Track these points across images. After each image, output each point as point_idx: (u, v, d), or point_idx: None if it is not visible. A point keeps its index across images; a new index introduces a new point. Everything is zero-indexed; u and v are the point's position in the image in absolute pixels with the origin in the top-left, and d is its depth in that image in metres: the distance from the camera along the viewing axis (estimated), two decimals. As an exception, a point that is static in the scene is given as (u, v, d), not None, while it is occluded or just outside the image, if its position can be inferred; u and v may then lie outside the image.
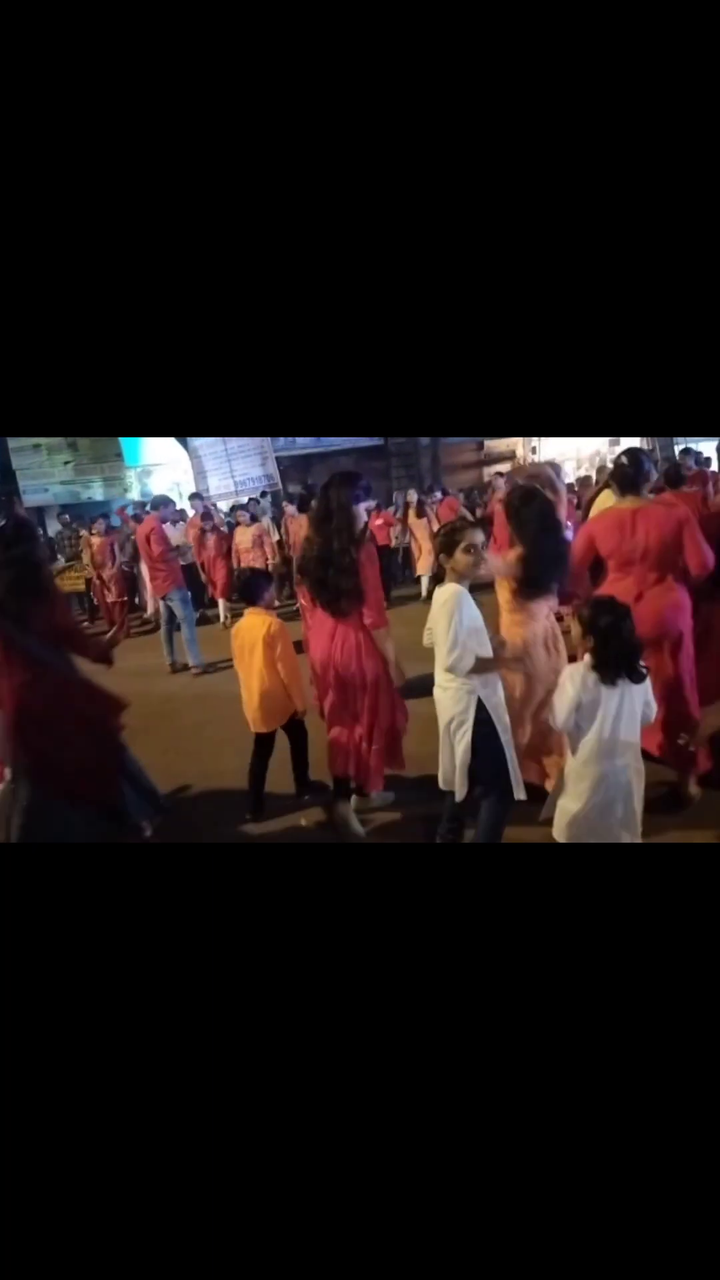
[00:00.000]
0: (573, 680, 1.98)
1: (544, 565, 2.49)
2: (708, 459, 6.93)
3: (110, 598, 7.76)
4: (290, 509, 7.79)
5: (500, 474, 8.76)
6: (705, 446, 7.46)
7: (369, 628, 2.54)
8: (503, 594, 2.62)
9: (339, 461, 11.14)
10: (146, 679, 5.60)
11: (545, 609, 2.62)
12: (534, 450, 12.36)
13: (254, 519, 7.28)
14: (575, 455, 11.45)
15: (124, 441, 10.44)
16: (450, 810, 2.31)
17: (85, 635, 2.82)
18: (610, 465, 6.89)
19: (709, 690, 2.74)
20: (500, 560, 2.52)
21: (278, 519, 7.91)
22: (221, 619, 7.30)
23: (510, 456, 12.67)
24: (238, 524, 7.45)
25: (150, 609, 7.91)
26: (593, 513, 3.69)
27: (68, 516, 9.45)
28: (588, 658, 1.98)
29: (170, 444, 10.42)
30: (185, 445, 9.75)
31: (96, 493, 10.69)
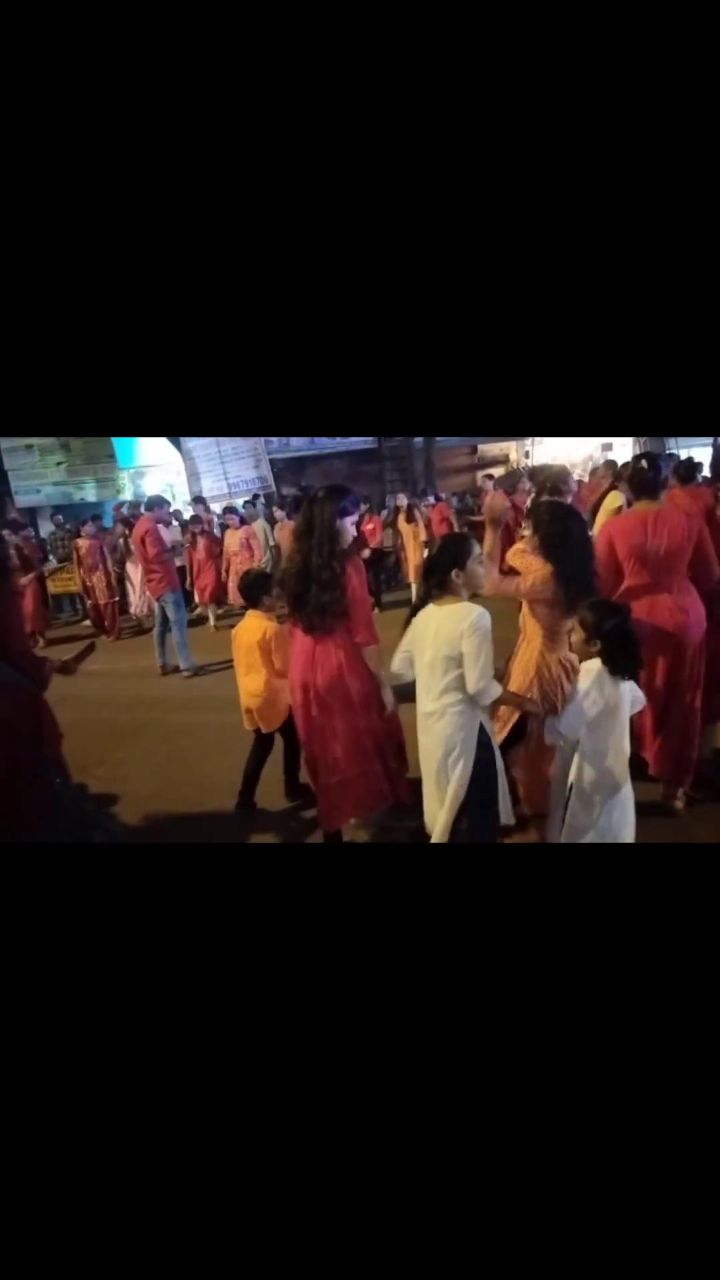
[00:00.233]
0: (599, 687, 1.91)
1: (582, 583, 2.34)
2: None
3: (100, 600, 7.73)
4: (280, 514, 7.79)
5: (489, 477, 8.73)
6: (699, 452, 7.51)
7: (359, 645, 2.39)
8: (533, 623, 2.43)
9: (332, 464, 11.17)
10: (137, 681, 5.59)
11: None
12: (527, 454, 12.41)
13: (243, 522, 7.25)
14: (567, 459, 11.50)
15: (117, 443, 10.41)
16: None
17: (33, 653, 2.64)
18: (602, 466, 6.92)
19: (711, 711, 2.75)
20: (521, 582, 2.38)
21: (271, 519, 7.88)
22: (210, 622, 7.28)
23: (504, 460, 12.73)
24: (227, 526, 7.43)
25: (135, 608, 7.88)
26: (600, 514, 3.71)
27: (61, 517, 9.41)
28: (597, 662, 1.93)
29: (164, 446, 10.40)
30: (179, 447, 9.75)
31: (89, 494, 10.65)
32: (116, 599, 7.85)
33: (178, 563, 6.39)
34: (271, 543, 7.49)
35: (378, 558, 7.49)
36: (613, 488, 3.88)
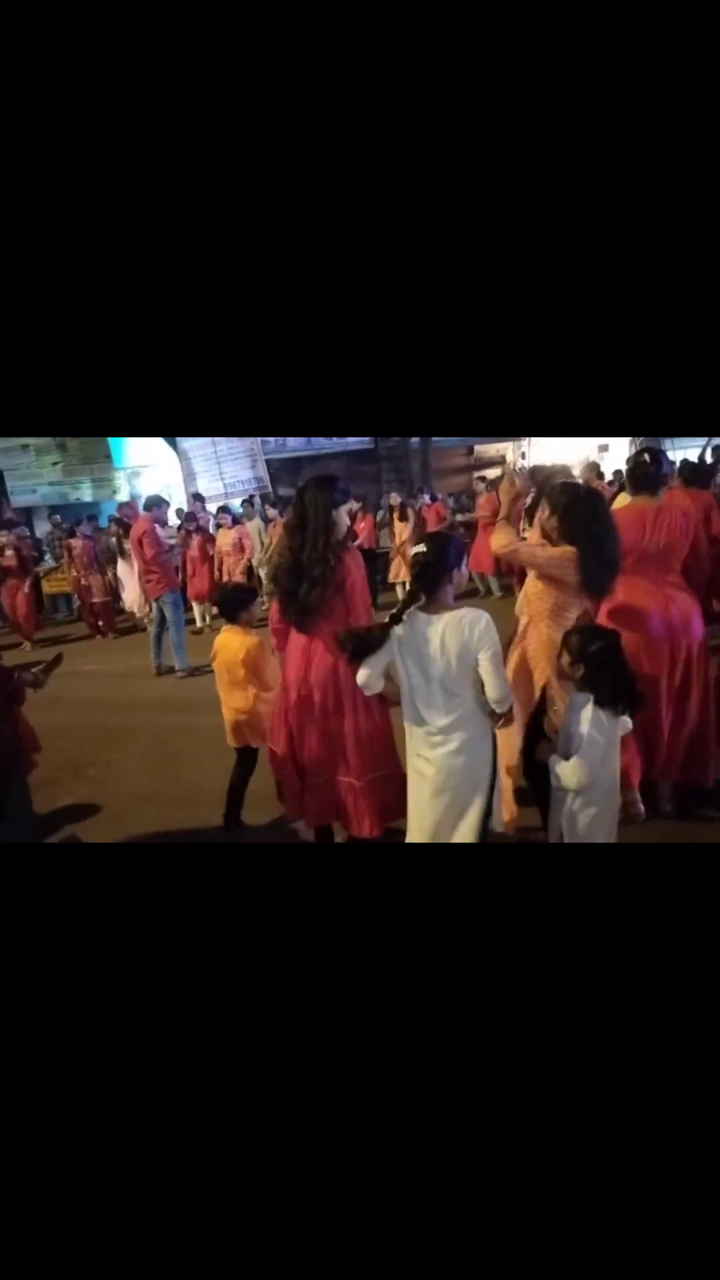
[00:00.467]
0: (595, 725, 1.85)
1: (603, 566, 2.26)
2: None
3: (94, 600, 7.74)
4: (274, 514, 7.77)
5: (482, 479, 8.69)
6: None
7: None
8: (539, 602, 2.33)
9: (329, 465, 11.17)
10: (132, 681, 5.58)
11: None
12: (524, 455, 12.43)
13: (235, 521, 7.24)
14: (565, 459, 11.51)
15: (113, 443, 10.40)
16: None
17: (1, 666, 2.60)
18: (595, 464, 6.90)
19: None
20: (544, 552, 2.25)
21: (266, 518, 7.86)
22: (199, 622, 7.25)
23: (500, 461, 12.74)
24: (220, 526, 7.41)
25: (128, 605, 7.87)
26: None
27: (58, 517, 9.39)
28: (589, 703, 1.87)
29: (160, 446, 10.39)
30: (175, 447, 9.74)
31: (85, 494, 10.64)
32: (109, 598, 7.85)
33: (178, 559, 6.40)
34: (266, 540, 7.48)
35: (368, 558, 7.47)
36: (621, 489, 3.90)
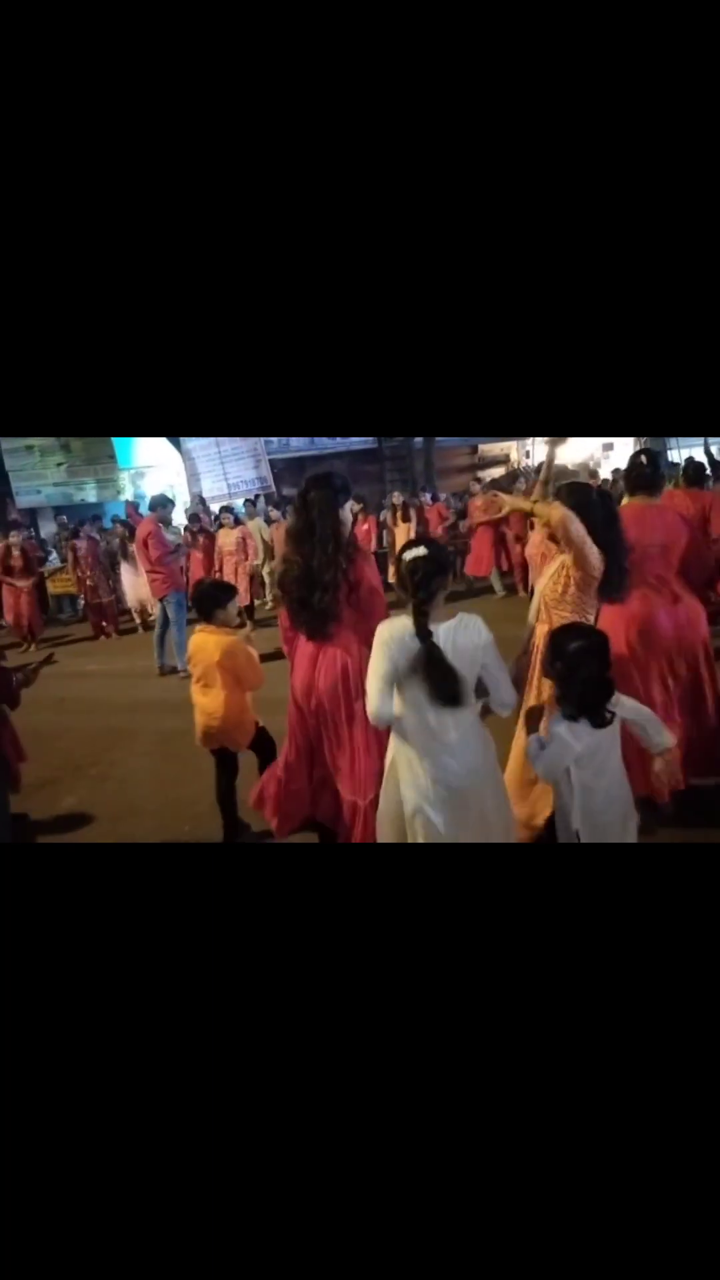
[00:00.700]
0: (571, 731, 1.72)
1: (620, 570, 2.20)
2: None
3: (99, 599, 7.77)
4: (276, 514, 7.76)
5: (477, 480, 8.65)
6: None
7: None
8: (559, 613, 2.20)
9: (332, 464, 11.15)
10: (134, 681, 5.59)
11: None
12: (528, 455, 12.40)
13: (237, 521, 7.24)
14: (568, 461, 11.49)
15: (117, 443, 10.42)
16: None
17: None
18: (599, 467, 6.86)
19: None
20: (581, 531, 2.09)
21: (268, 518, 7.86)
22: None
23: (504, 460, 12.72)
24: (221, 526, 7.41)
25: (131, 604, 7.90)
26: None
27: (65, 518, 9.43)
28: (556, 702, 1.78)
29: (164, 446, 10.42)
30: (179, 447, 9.75)
31: (89, 495, 10.67)
32: (113, 599, 7.88)
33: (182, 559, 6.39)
34: (267, 538, 7.47)
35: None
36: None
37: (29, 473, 10.39)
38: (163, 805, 3.26)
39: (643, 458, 2.61)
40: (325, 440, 11.19)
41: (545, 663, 1.84)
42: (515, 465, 12.31)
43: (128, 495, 10.66)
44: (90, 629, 7.84)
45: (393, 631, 1.73)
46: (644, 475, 2.57)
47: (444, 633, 1.73)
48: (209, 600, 2.64)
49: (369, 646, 1.83)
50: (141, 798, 3.38)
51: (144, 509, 6.82)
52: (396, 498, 7.72)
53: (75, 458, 10.45)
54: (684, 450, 10.20)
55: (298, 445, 11.25)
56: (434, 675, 1.69)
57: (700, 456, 5.50)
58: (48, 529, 10.52)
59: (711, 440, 7.48)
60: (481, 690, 1.83)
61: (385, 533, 8.03)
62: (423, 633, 1.69)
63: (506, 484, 8.39)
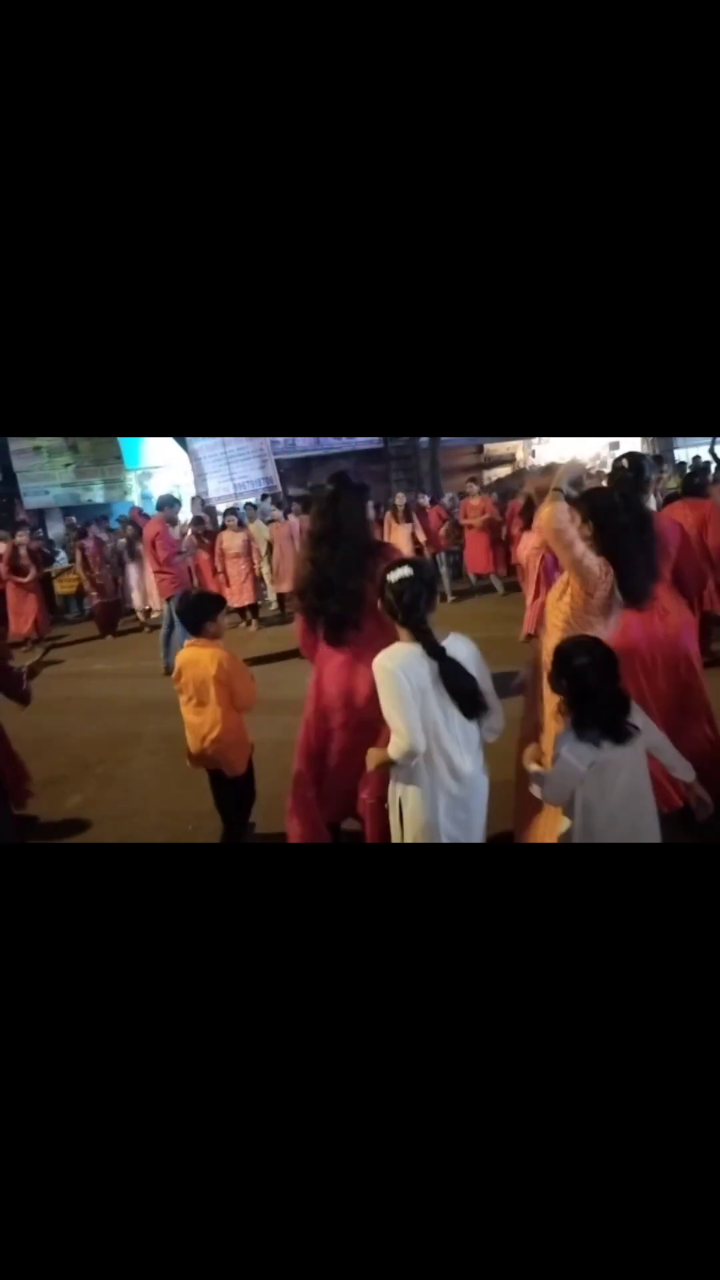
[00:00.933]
0: (574, 752, 1.62)
1: (641, 574, 2.07)
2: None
3: (105, 599, 7.83)
4: (277, 513, 7.74)
5: (473, 480, 8.59)
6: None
7: None
8: (573, 622, 2.07)
9: (338, 464, 11.16)
10: (141, 680, 5.62)
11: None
12: (534, 454, 12.36)
13: (241, 524, 7.24)
14: (574, 458, 11.43)
15: (124, 444, 10.47)
16: None
17: (8, 667, 2.53)
18: (605, 466, 6.85)
19: None
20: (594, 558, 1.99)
21: (268, 519, 7.85)
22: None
23: (510, 460, 12.68)
24: (224, 528, 7.41)
25: (138, 604, 7.94)
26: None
27: (74, 518, 9.50)
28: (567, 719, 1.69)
29: (170, 447, 10.46)
30: (185, 448, 9.79)
31: (97, 495, 10.73)
32: (120, 598, 7.93)
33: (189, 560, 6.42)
34: (267, 538, 7.46)
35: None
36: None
37: (37, 474, 10.46)
38: (167, 804, 3.28)
39: (624, 461, 2.54)
40: (331, 440, 11.19)
41: (551, 679, 1.74)
42: (521, 465, 12.27)
43: (134, 496, 10.72)
44: (96, 628, 7.89)
45: (395, 660, 1.63)
46: (625, 481, 2.50)
47: (449, 646, 1.65)
48: (196, 612, 2.46)
49: None
50: (146, 796, 3.40)
51: (150, 509, 6.84)
52: (400, 499, 7.69)
53: (83, 459, 10.52)
54: (691, 450, 10.15)
55: (304, 445, 11.26)
56: (456, 689, 1.61)
57: (706, 456, 5.46)
58: (55, 529, 10.59)
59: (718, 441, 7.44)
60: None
61: (385, 533, 7.98)
62: (435, 650, 1.61)
63: (512, 484, 8.34)
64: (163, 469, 11.15)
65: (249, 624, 7.13)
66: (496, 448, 12.65)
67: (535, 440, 12.22)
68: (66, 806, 3.37)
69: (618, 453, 10.80)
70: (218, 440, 9.14)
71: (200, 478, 9.51)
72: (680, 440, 10.30)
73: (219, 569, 7.04)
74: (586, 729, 1.62)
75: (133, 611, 8.12)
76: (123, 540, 8.01)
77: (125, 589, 8.07)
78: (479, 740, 1.73)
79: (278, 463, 9.70)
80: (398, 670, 1.61)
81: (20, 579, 7.37)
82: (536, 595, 4.71)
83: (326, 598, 2.10)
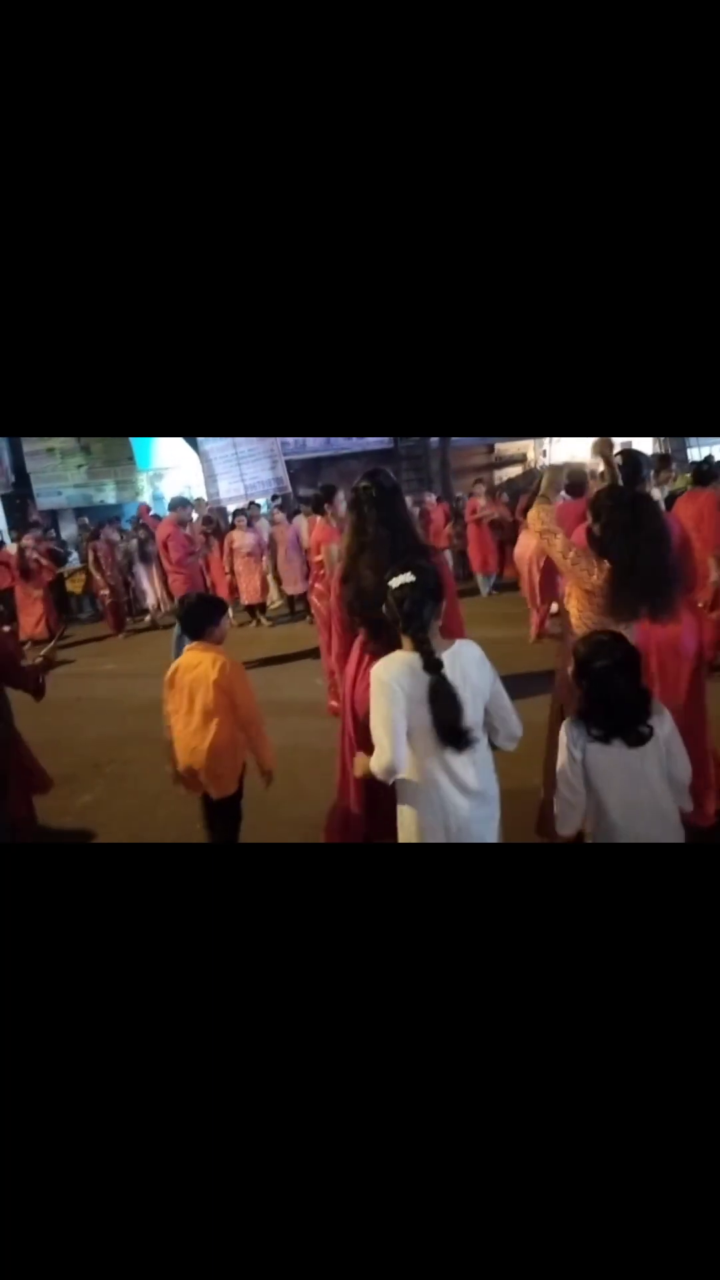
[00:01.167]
0: (576, 744, 1.58)
1: (642, 581, 1.96)
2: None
3: (117, 599, 7.89)
4: (280, 515, 7.75)
5: (480, 481, 8.57)
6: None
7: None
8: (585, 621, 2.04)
9: (349, 465, 11.16)
10: (152, 680, 5.64)
11: None
12: (544, 453, 12.29)
13: (250, 524, 7.26)
14: (585, 458, 11.36)
15: (136, 445, 10.53)
16: None
17: (20, 666, 2.49)
18: (580, 465, 6.80)
19: None
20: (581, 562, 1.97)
21: (271, 520, 7.87)
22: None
23: (521, 459, 12.62)
24: (234, 528, 7.43)
25: (151, 605, 8.01)
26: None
27: (86, 519, 9.58)
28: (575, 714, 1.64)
29: (181, 447, 10.51)
30: (196, 448, 9.84)
31: (109, 496, 10.80)
32: (131, 598, 8.00)
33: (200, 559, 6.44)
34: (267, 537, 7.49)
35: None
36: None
37: (50, 475, 10.54)
38: (176, 804, 3.30)
39: (619, 458, 2.54)
40: (341, 440, 11.19)
41: (574, 675, 1.68)
42: (532, 464, 12.21)
43: (146, 497, 10.78)
44: (108, 627, 7.95)
45: (391, 670, 1.57)
46: (624, 478, 2.49)
47: (449, 660, 1.55)
48: (199, 616, 2.30)
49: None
50: (156, 796, 3.42)
51: (161, 510, 6.88)
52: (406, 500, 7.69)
53: (95, 459, 10.58)
54: (704, 449, 10.06)
55: (314, 446, 11.27)
56: (438, 714, 1.52)
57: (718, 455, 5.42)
58: (68, 530, 10.68)
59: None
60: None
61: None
62: (432, 664, 1.53)
63: (523, 483, 8.30)
64: (174, 470, 11.20)
65: (258, 622, 7.16)
66: (507, 447, 12.58)
67: (546, 440, 12.15)
68: (76, 806, 3.40)
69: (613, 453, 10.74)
70: (228, 441, 9.17)
71: (211, 478, 9.55)
72: (694, 440, 10.20)
73: (229, 568, 7.07)
74: (594, 725, 1.59)
75: (145, 612, 8.17)
76: (134, 541, 8.07)
77: (137, 589, 8.14)
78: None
79: (288, 463, 9.71)
80: (391, 682, 1.55)
81: (29, 582, 7.45)
82: (540, 598, 4.70)
83: (374, 609, 1.90)
